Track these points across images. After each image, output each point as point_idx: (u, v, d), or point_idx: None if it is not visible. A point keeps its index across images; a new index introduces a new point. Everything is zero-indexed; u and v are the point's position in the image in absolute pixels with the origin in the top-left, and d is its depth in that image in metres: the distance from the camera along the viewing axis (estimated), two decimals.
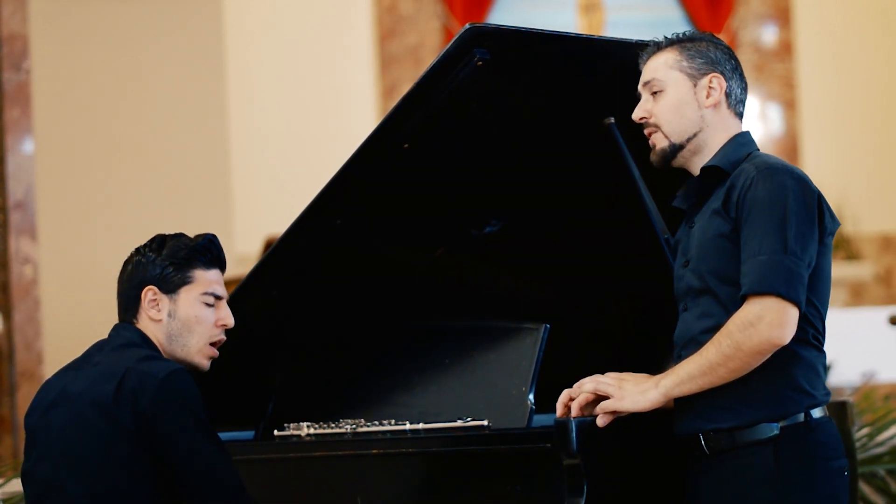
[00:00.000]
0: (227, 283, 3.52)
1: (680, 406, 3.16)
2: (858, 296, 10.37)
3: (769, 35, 10.65)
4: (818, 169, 10.51)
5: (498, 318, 3.60)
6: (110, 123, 7.68)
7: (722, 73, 3.20)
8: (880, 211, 10.60)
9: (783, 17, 10.64)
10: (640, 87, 3.26)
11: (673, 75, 3.20)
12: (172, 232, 3.39)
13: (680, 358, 3.16)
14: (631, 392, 3.10)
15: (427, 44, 10.09)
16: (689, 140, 3.20)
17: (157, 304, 3.31)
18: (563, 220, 3.81)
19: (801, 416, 3.07)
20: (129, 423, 3.15)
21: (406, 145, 3.48)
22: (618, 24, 10.30)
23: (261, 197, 9.37)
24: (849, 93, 10.68)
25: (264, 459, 3.62)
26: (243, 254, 8.00)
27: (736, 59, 3.26)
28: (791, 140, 10.64)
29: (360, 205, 3.64)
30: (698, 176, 3.22)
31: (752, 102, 10.63)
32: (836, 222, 3.15)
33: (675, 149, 3.20)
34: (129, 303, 3.34)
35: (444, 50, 3.33)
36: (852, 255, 10.38)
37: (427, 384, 3.57)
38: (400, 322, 3.74)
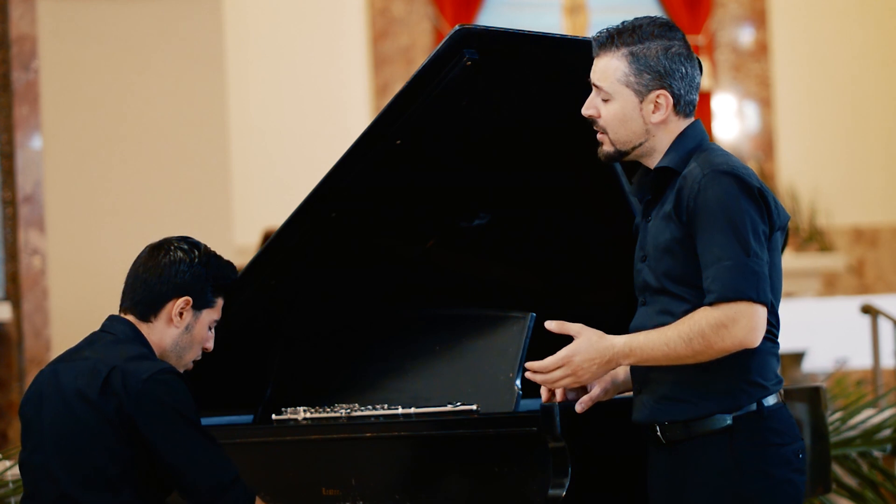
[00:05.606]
0: None
1: (637, 394, 3.18)
2: (831, 286, 10.43)
3: (746, 36, 10.72)
4: (793, 164, 10.65)
5: (486, 306, 3.63)
6: (115, 120, 7.66)
7: (670, 86, 3.14)
8: (852, 204, 10.70)
9: (759, 18, 10.74)
10: (592, 79, 3.21)
11: (620, 89, 3.15)
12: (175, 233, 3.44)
13: None
14: (588, 373, 3.11)
15: (418, 44, 10.14)
16: (633, 149, 3.18)
17: (183, 315, 3.33)
18: (550, 213, 3.84)
19: (754, 406, 3.08)
20: (113, 417, 3.20)
21: (398, 141, 3.50)
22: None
23: (259, 191, 9.40)
24: (822, 91, 10.76)
25: (262, 443, 3.66)
26: (242, 245, 8.04)
27: (688, 56, 3.16)
28: (767, 136, 10.73)
29: (355, 198, 3.66)
30: (651, 173, 3.19)
31: (730, 100, 10.74)
32: (784, 216, 3.12)
33: (621, 154, 3.19)
34: (154, 298, 3.33)
35: (435, 50, 3.36)
36: (825, 247, 10.46)
37: (418, 370, 3.60)
38: (393, 310, 3.77)
